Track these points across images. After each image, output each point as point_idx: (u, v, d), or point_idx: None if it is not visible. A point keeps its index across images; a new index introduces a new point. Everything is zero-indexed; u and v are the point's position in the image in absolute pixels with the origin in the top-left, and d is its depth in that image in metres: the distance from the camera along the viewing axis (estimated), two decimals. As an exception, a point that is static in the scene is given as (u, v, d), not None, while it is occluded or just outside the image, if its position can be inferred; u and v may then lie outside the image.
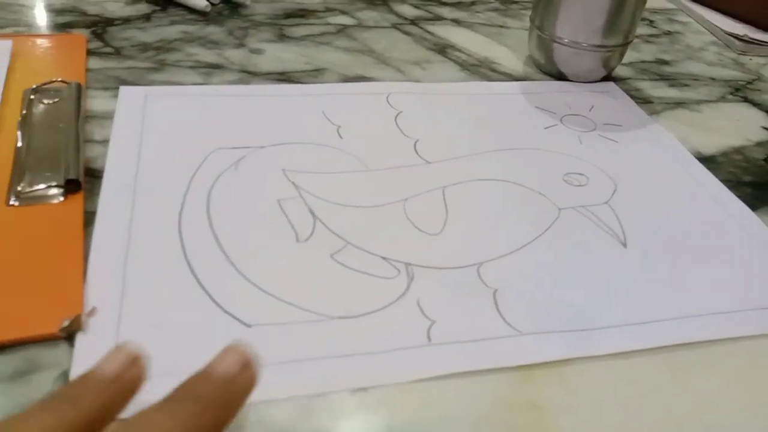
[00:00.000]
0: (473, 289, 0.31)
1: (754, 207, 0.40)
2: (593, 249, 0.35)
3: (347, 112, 0.44)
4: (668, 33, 0.66)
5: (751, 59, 0.62)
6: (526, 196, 0.38)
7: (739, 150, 0.47)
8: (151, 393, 0.24)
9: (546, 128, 0.46)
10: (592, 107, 0.49)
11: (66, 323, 0.26)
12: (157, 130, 0.39)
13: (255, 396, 0.22)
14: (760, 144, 0.48)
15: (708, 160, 0.45)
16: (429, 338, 0.29)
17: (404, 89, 0.47)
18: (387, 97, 0.46)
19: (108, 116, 0.40)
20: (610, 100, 0.50)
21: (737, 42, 0.64)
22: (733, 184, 0.43)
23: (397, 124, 0.44)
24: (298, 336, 0.28)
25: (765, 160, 0.46)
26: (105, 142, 0.38)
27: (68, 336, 0.27)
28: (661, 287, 0.33)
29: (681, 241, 0.36)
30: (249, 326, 0.28)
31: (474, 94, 0.49)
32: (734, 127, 0.50)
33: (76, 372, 0.25)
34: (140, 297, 0.29)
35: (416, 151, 0.41)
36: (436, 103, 0.46)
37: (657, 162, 0.43)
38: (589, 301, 0.32)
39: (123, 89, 0.43)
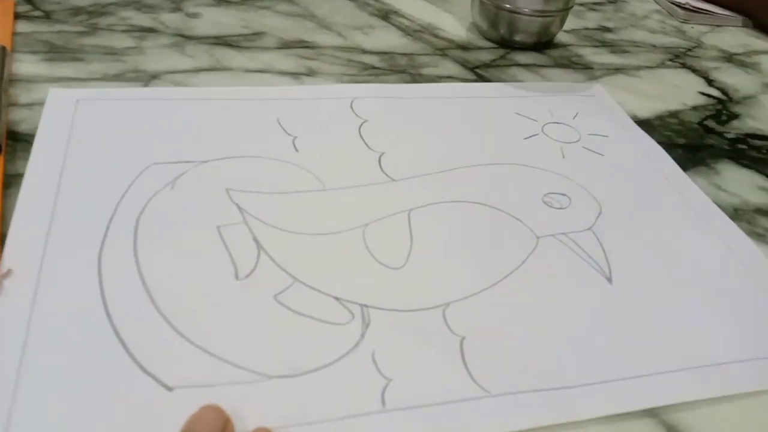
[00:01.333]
0: (437, 336, 0.27)
1: (685, 168, 0.41)
2: (575, 286, 0.31)
3: (305, 121, 0.39)
4: (613, 1, 0.66)
5: (692, 27, 0.62)
6: (502, 222, 0.34)
7: (674, 114, 0.47)
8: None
9: (526, 138, 0.42)
10: (577, 114, 0.45)
11: None
12: (86, 141, 0.35)
13: None
14: (695, 108, 0.48)
15: (643, 124, 0.45)
16: (383, 402, 0.24)
17: (370, 93, 0.43)
18: (351, 104, 0.42)
19: (34, 80, 0.39)
20: (595, 105, 0.46)
21: (680, 10, 0.64)
22: (666, 146, 0.42)
23: (360, 134, 0.39)
24: (227, 401, 0.23)
25: (699, 123, 0.45)
26: (30, 105, 0.37)
27: None
28: (653, 332, 0.29)
29: (673, 278, 0.33)
30: (170, 389, 0.24)
31: (449, 97, 0.44)
32: (672, 92, 0.50)
33: None
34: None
35: (381, 167, 0.37)
36: (406, 110, 0.42)
37: (646, 180, 0.39)
38: (570, 352, 0.28)
39: (52, 92, 0.38)
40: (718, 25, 0.63)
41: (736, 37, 0.61)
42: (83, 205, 0.31)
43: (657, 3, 0.66)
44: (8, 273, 0.27)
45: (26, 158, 0.33)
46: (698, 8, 0.64)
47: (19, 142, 0.34)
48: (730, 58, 0.56)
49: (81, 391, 0.23)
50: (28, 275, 0.27)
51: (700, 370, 0.28)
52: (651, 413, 0.26)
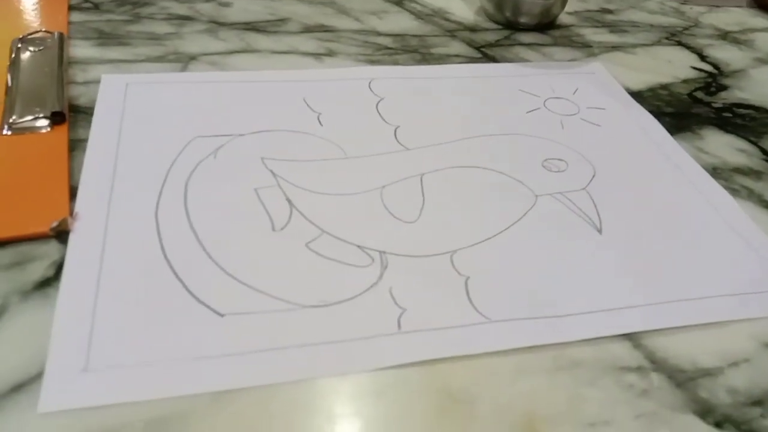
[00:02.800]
0: (445, 277, 0.32)
1: (672, 133, 0.45)
2: (568, 235, 0.35)
3: (328, 99, 0.44)
4: None
5: (691, 8, 0.66)
6: (504, 183, 0.39)
7: (665, 86, 0.51)
8: (124, 384, 0.25)
9: (528, 112, 0.46)
10: (576, 90, 0.49)
11: (55, 224, 0.31)
12: (138, 119, 0.40)
13: (227, 384, 0.24)
14: (686, 81, 0.52)
15: (634, 95, 0.49)
16: (399, 326, 0.29)
17: (387, 74, 0.48)
18: (369, 84, 0.46)
19: (88, 62, 0.45)
20: (594, 82, 0.50)
21: None
22: (655, 114, 0.46)
23: (378, 111, 0.44)
24: (270, 325, 0.28)
25: (688, 95, 0.49)
26: (87, 83, 0.43)
27: (57, 235, 0.31)
28: (635, 273, 0.34)
29: (658, 228, 0.37)
30: (222, 315, 0.29)
31: (458, 77, 0.49)
32: (665, 66, 0.54)
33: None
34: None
35: (396, 138, 0.41)
36: (419, 89, 0.47)
37: (637, 147, 0.43)
38: (560, 288, 0.32)
39: (105, 78, 0.43)
40: (716, 6, 0.66)
41: (733, 16, 0.65)
42: (139, 170, 0.36)
43: (658, -16, 0.70)
44: (76, 215, 0.32)
45: (86, 127, 0.38)
46: (697, -11, 0.67)
47: (78, 113, 0.40)
48: (725, 35, 0.60)
49: (148, 318, 0.28)
50: (97, 223, 0.32)
51: (674, 304, 0.32)
52: (627, 337, 0.30)
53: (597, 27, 0.59)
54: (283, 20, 0.53)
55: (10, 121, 0.38)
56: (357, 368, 0.27)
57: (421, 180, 0.38)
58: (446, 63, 0.50)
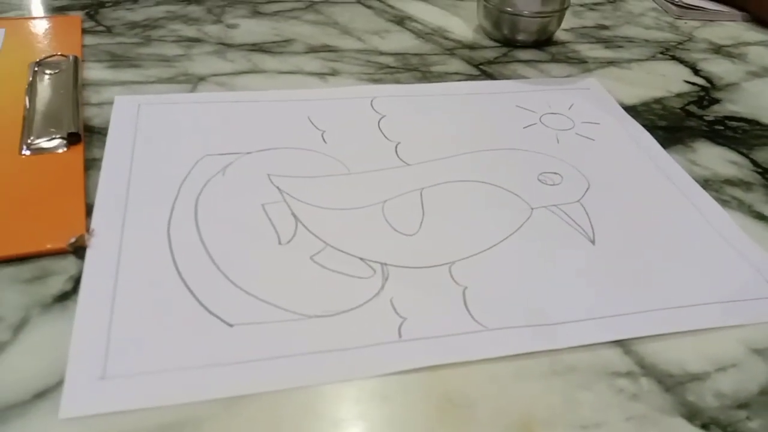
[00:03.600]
0: (444, 287, 0.33)
1: (665, 146, 0.46)
2: (562, 246, 0.37)
3: (332, 118, 0.46)
4: (612, 1, 0.72)
5: (686, 23, 0.67)
6: (501, 196, 0.40)
7: (659, 100, 0.52)
8: (139, 391, 0.27)
9: (525, 127, 0.47)
10: (572, 105, 0.51)
11: (72, 240, 0.33)
12: (150, 138, 0.41)
13: (237, 391, 0.25)
14: (679, 95, 0.53)
15: (629, 110, 0.50)
16: (400, 334, 0.31)
17: (388, 92, 0.49)
18: (371, 102, 0.48)
19: (102, 84, 0.47)
20: (589, 97, 0.52)
21: (674, 7, 0.69)
22: (649, 128, 0.48)
23: (379, 128, 0.45)
24: (277, 334, 0.30)
25: (681, 109, 0.50)
26: (100, 104, 0.45)
27: (74, 250, 0.33)
28: (627, 282, 0.35)
29: (649, 238, 0.38)
30: (231, 326, 0.30)
31: (456, 94, 0.50)
32: (658, 81, 0.55)
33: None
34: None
35: (397, 154, 0.43)
36: (419, 106, 0.48)
37: (632, 160, 0.45)
38: (555, 297, 0.34)
39: (118, 99, 0.45)
40: (711, 20, 0.68)
41: (727, 30, 0.66)
42: (151, 187, 0.37)
43: (654, 1, 0.72)
44: (92, 232, 0.34)
45: (100, 147, 0.40)
46: (691, 5, 0.69)
47: (93, 134, 0.42)
48: (718, 49, 0.62)
49: (162, 329, 0.30)
50: (112, 239, 0.34)
51: (665, 311, 0.33)
52: (619, 344, 0.31)
53: (593, 43, 0.60)
54: (288, 41, 0.55)
55: (29, 141, 0.40)
56: (360, 374, 0.29)
57: (421, 194, 0.40)
58: (446, 80, 0.52)
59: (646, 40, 0.62)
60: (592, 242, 0.37)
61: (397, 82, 0.51)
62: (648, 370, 0.30)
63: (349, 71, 0.52)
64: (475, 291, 0.33)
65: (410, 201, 0.39)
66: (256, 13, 0.59)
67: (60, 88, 0.45)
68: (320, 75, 0.51)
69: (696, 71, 0.57)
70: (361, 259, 0.35)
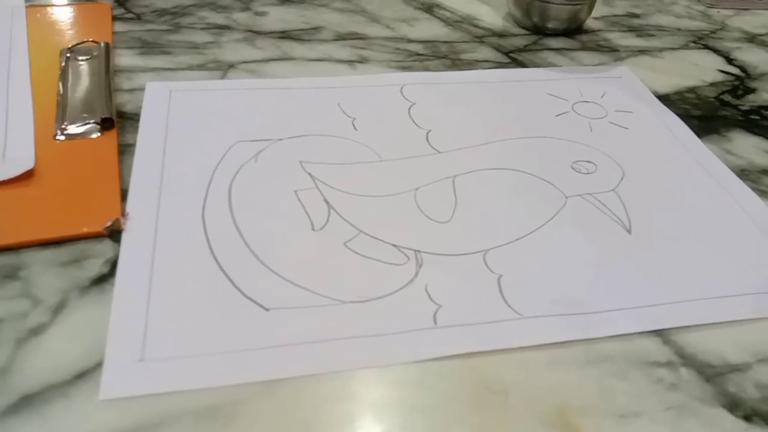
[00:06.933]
0: (478, 275, 0.33)
1: (699, 135, 0.45)
2: (598, 235, 0.36)
3: (362, 105, 0.45)
4: None
5: (718, 12, 0.66)
6: (534, 185, 0.40)
7: (692, 89, 0.51)
8: (178, 374, 0.27)
9: (557, 116, 0.47)
10: (604, 94, 0.50)
11: (108, 224, 0.33)
12: (182, 124, 0.41)
13: (274, 374, 0.26)
14: (713, 84, 0.52)
15: (662, 98, 0.50)
16: (435, 321, 0.30)
17: (417, 80, 0.49)
18: (401, 89, 0.48)
19: (133, 70, 0.47)
20: (622, 86, 0.51)
21: None
22: (683, 117, 0.47)
23: (410, 115, 0.45)
24: (313, 319, 0.30)
25: (716, 98, 0.50)
26: (132, 90, 0.45)
27: (110, 234, 0.33)
28: (664, 272, 0.34)
29: (686, 228, 0.38)
30: (267, 310, 0.30)
31: (487, 81, 0.50)
32: (692, 70, 0.55)
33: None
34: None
35: (428, 142, 0.43)
36: (449, 94, 0.48)
37: (665, 149, 0.44)
38: (590, 286, 0.33)
39: (149, 85, 0.45)
40: (744, 9, 0.66)
41: (760, 19, 0.65)
42: (185, 172, 0.37)
43: (685, -11, 0.71)
44: (128, 216, 0.34)
45: (133, 132, 0.40)
46: (724, -7, 0.68)
47: (126, 119, 0.42)
48: (752, 38, 0.60)
49: (199, 312, 0.30)
50: (147, 223, 0.34)
51: (702, 302, 0.33)
52: (657, 333, 0.31)
53: (624, 31, 0.60)
54: (316, 28, 0.55)
55: (63, 126, 0.40)
56: (397, 360, 0.29)
57: (453, 182, 0.39)
58: (475, 68, 0.51)
59: (678, 29, 0.61)
60: (629, 231, 0.37)
61: (427, 69, 0.51)
62: (688, 360, 0.30)
63: (378, 59, 0.51)
64: (510, 279, 0.33)
65: (442, 189, 0.39)
66: (285, 1, 0.59)
67: (92, 74, 0.45)
68: (349, 62, 0.50)
69: (730, 60, 0.56)
70: (395, 245, 0.34)
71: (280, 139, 0.41)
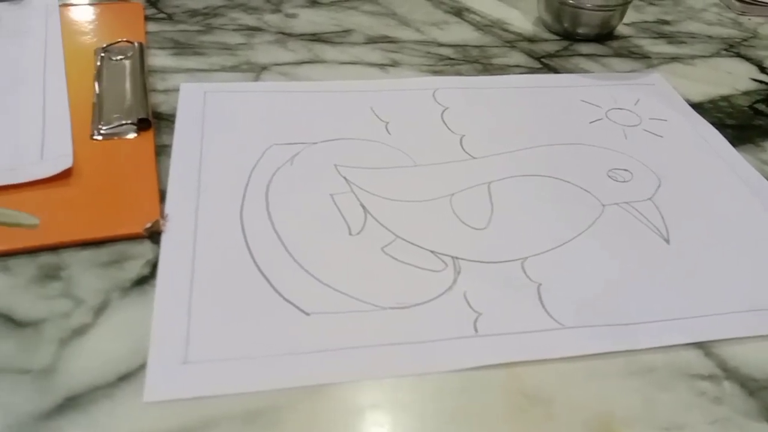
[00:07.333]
0: (518, 283, 0.33)
1: (734, 145, 0.45)
2: (636, 245, 0.36)
3: (395, 109, 0.45)
4: None
5: (749, 19, 0.65)
6: (571, 193, 0.39)
7: (726, 98, 0.51)
8: (221, 377, 0.27)
9: (591, 122, 0.47)
10: (638, 101, 0.49)
11: (148, 225, 0.33)
12: (217, 126, 0.41)
13: (317, 380, 0.25)
14: (746, 93, 0.52)
15: (695, 107, 0.49)
16: (476, 329, 0.30)
17: (450, 84, 0.49)
18: (433, 93, 0.47)
19: (166, 71, 0.47)
20: (655, 93, 0.51)
21: (737, 2, 0.67)
22: (717, 126, 0.47)
23: (443, 120, 0.45)
24: (353, 324, 0.30)
25: (749, 107, 0.49)
26: (166, 91, 0.45)
27: (150, 235, 0.33)
28: (704, 283, 0.34)
29: (725, 238, 0.37)
30: (308, 314, 0.30)
31: (520, 87, 0.50)
32: (725, 78, 0.54)
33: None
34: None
35: (462, 147, 0.42)
36: (482, 98, 0.48)
37: (701, 158, 0.44)
38: (631, 296, 0.33)
39: (184, 86, 0.45)
40: (775, 16, 0.66)
41: (794, 27, 0.64)
42: (222, 174, 0.38)
43: (716, -4, 0.70)
44: (167, 217, 0.34)
45: (169, 133, 0.40)
46: (755, 0, 0.67)
47: (161, 120, 0.42)
48: (785, 47, 0.60)
49: (240, 315, 0.30)
50: (186, 225, 0.34)
51: (743, 314, 0.33)
52: (699, 345, 0.31)
53: (655, 38, 0.59)
54: (347, 31, 0.55)
55: (100, 126, 0.40)
56: (439, 368, 0.28)
57: (489, 188, 0.39)
58: (507, 73, 0.51)
59: (709, 36, 0.60)
60: (667, 241, 0.37)
61: (458, 73, 0.50)
62: (731, 373, 0.30)
63: (409, 62, 0.51)
64: (550, 288, 0.33)
65: (478, 195, 0.39)
66: (314, 3, 0.59)
67: (128, 74, 0.45)
68: (381, 66, 0.50)
69: (762, 69, 0.56)
70: (432, 252, 0.34)
71: (315, 143, 0.41)
